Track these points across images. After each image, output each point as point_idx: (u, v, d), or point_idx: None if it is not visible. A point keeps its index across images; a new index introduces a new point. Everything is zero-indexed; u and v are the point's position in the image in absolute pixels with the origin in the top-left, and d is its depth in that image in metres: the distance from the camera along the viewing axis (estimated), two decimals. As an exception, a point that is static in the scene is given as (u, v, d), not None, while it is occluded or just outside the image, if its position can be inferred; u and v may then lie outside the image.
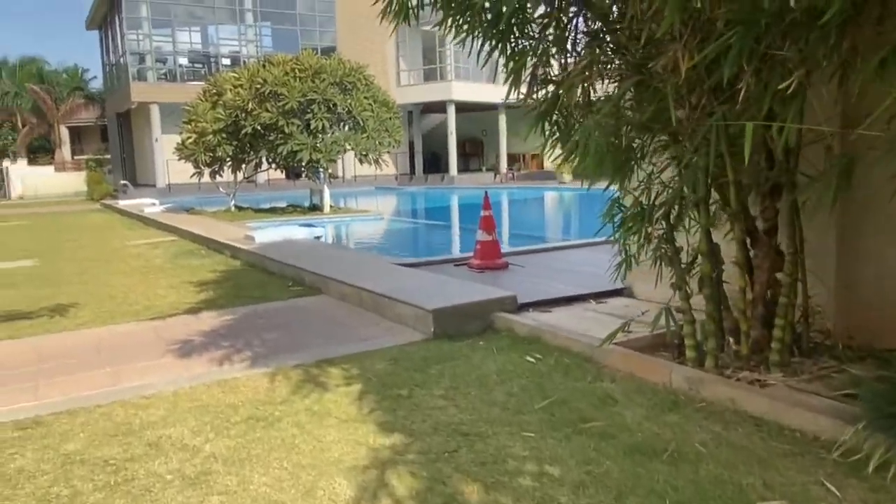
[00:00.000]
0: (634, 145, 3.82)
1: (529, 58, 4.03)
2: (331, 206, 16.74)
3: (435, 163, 34.54)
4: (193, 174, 17.36)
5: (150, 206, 18.70)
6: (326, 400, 3.81)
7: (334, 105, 15.12)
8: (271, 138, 15.28)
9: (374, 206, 21.03)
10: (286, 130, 14.91)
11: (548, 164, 33.66)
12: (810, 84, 2.79)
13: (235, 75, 16.22)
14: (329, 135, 15.48)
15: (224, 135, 15.85)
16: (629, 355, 4.08)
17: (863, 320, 4.06)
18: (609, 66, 3.61)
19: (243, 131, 15.31)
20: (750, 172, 3.64)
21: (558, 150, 4.18)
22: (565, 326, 4.84)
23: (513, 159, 33.91)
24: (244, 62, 24.89)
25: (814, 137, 3.48)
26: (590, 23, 3.95)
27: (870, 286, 4.07)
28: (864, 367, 3.65)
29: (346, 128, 15.98)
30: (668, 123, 3.43)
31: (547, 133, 4.15)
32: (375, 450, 3.15)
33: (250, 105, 15.08)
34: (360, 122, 15.49)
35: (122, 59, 29.98)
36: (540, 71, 4.07)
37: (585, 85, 3.63)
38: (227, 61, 30.56)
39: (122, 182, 28.32)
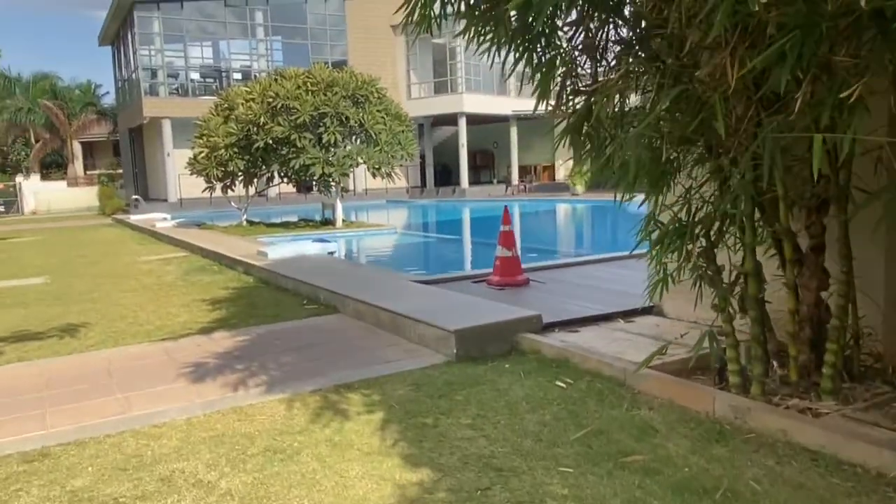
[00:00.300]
0: (671, 158, 3.61)
1: (558, 68, 3.85)
2: (343, 221, 16.59)
3: (446, 175, 34.40)
4: (205, 189, 17.27)
5: (161, 220, 18.59)
6: (347, 430, 3.60)
7: (346, 118, 14.99)
8: (283, 152, 15.16)
9: (387, 220, 20.87)
10: (298, 144, 14.79)
11: (559, 176, 33.53)
12: (871, 91, 2.58)
13: (247, 89, 16.14)
14: (341, 148, 15.36)
15: (236, 149, 15.75)
16: (667, 380, 3.85)
17: (915, 342, 3.82)
18: (646, 76, 3.40)
19: (255, 145, 15.20)
20: (796, 187, 3.42)
21: (588, 163, 3.99)
22: (595, 348, 4.61)
23: (524, 171, 33.73)
24: (255, 76, 24.87)
25: (861, 149, 3.26)
26: (622, 30, 3.76)
27: (922, 306, 3.84)
28: (923, 393, 3.42)
29: (359, 141, 15.85)
30: (710, 135, 3.23)
31: (577, 146, 3.96)
32: (402, 487, 2.94)
33: (262, 119, 14.97)
34: (373, 136, 15.35)
35: (134, 75, 30.09)
36: (569, 82, 3.89)
37: (621, 95, 3.43)
38: (238, 76, 30.61)
39: (134, 197, 28.30)
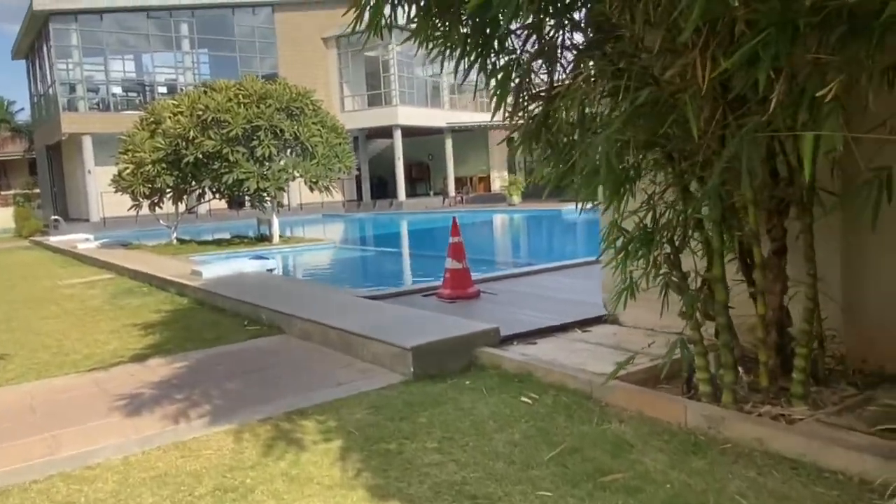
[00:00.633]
0: (634, 163, 3.52)
1: (513, 73, 3.72)
2: (280, 236, 16.12)
3: (382, 188, 34.14)
4: (131, 207, 16.47)
5: (83, 241, 17.61)
6: (304, 461, 3.33)
7: (281, 131, 14.58)
8: (215, 167, 14.60)
9: (324, 235, 20.42)
10: (231, 158, 14.27)
11: (495, 187, 33.77)
12: (850, 89, 2.53)
13: (175, 102, 15.52)
14: (276, 162, 14.92)
15: (164, 164, 15.08)
16: (634, 392, 3.74)
17: (874, 343, 3.84)
18: (608, 79, 3.29)
19: (185, 160, 14.58)
20: (758, 190, 3.38)
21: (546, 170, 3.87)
22: (557, 360, 4.48)
23: (460, 183, 33.82)
24: (182, 90, 24.01)
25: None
26: (578, 34, 3.67)
27: (879, 307, 3.86)
28: (890, 393, 3.41)
29: (294, 154, 15.44)
30: (676, 139, 3.15)
31: (535, 152, 3.84)
32: (371, 523, 2.71)
33: (192, 133, 14.39)
34: (309, 149, 14.99)
35: (51, 90, 28.68)
36: (524, 87, 3.77)
37: (584, 100, 3.31)
38: (163, 89, 29.60)
39: (53, 217, 26.83)
